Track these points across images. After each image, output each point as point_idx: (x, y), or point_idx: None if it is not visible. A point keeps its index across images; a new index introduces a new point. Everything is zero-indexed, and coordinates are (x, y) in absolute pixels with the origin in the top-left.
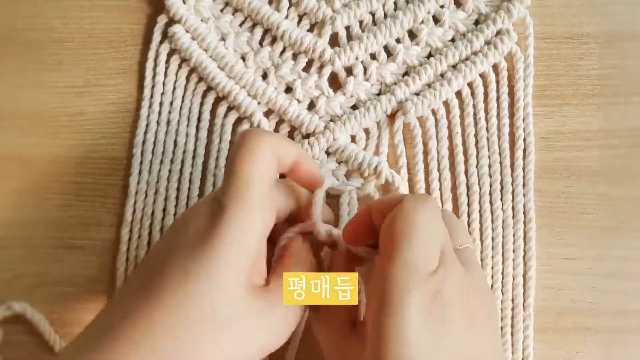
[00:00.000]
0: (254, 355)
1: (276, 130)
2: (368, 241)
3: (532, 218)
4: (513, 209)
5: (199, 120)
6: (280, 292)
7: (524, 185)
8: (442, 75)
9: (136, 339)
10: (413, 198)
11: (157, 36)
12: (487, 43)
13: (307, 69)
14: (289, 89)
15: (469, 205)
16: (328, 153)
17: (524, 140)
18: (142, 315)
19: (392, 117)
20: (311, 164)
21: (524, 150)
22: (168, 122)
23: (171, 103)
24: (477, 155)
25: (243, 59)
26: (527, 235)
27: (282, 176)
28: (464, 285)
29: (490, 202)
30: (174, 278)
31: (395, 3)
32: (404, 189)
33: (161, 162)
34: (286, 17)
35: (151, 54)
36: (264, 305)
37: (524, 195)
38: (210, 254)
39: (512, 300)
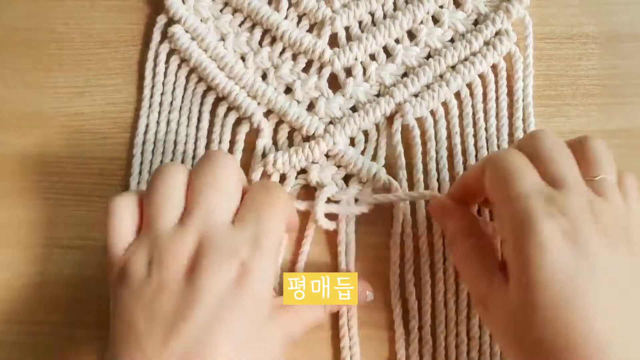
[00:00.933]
0: None
1: (275, 130)
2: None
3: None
4: None
5: (198, 120)
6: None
7: None
8: (441, 76)
9: None
10: (502, 150)
11: (156, 36)
12: (486, 43)
13: (306, 69)
14: (288, 90)
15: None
16: (327, 156)
17: None
18: None
19: (390, 118)
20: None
21: None
22: (168, 122)
23: (171, 103)
24: (476, 155)
25: (242, 59)
26: None
27: None
28: (592, 210)
29: None
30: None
31: (394, 3)
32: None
33: (161, 162)
34: (286, 18)
35: (151, 54)
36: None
37: None
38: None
39: None
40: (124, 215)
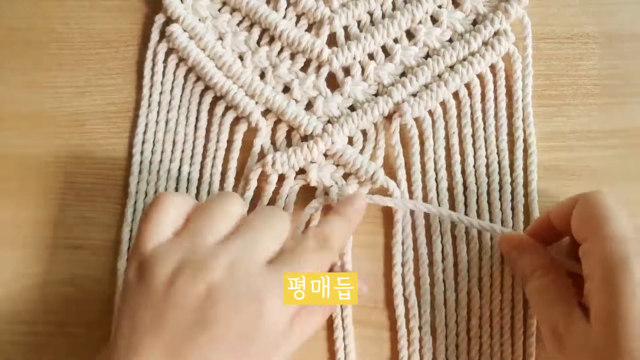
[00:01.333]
0: None
1: (274, 130)
2: (546, 242)
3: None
4: (513, 209)
5: (197, 119)
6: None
7: (527, 185)
8: (439, 76)
9: None
10: (592, 192)
11: (154, 35)
12: (485, 44)
13: (304, 68)
14: (286, 89)
15: (466, 205)
16: (326, 155)
17: (525, 140)
18: None
19: (389, 118)
20: None
21: (525, 151)
22: (167, 122)
23: (170, 102)
24: (475, 155)
25: (241, 58)
26: None
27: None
28: None
29: (489, 202)
30: None
31: (393, 3)
32: (397, 195)
33: (160, 161)
34: (284, 17)
35: (149, 54)
36: None
37: (525, 195)
38: None
39: (512, 300)
40: (171, 213)
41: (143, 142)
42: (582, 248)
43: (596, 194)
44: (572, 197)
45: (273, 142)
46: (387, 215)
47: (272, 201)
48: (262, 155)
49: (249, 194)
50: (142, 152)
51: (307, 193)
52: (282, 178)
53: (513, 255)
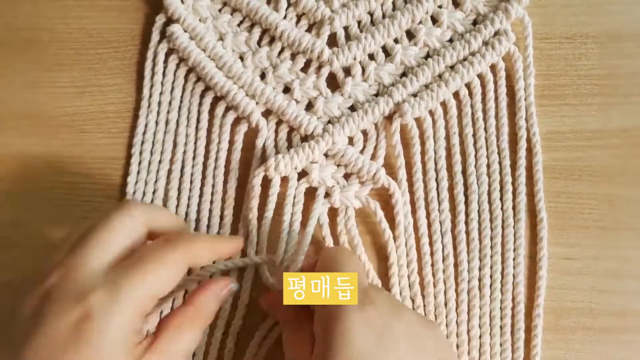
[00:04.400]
0: None
1: (276, 131)
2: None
3: (543, 218)
4: (514, 208)
5: (197, 120)
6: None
7: (532, 185)
8: (439, 76)
9: None
10: (331, 247)
11: (155, 36)
12: (485, 43)
13: (305, 69)
14: (287, 89)
15: (467, 205)
16: (326, 155)
17: (528, 140)
18: None
19: (389, 118)
20: None
21: (529, 150)
22: (167, 122)
23: (170, 103)
24: (476, 155)
25: (241, 58)
26: (539, 235)
27: None
28: (394, 305)
29: (489, 202)
30: None
31: (393, 3)
32: (398, 195)
33: (160, 161)
34: (285, 17)
35: (150, 54)
36: None
37: (526, 195)
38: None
39: (513, 299)
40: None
41: (142, 143)
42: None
43: (332, 248)
44: (318, 252)
45: (274, 143)
46: (389, 215)
47: (279, 205)
48: (263, 155)
49: (255, 201)
50: (141, 153)
51: (307, 194)
52: (285, 180)
53: (272, 309)
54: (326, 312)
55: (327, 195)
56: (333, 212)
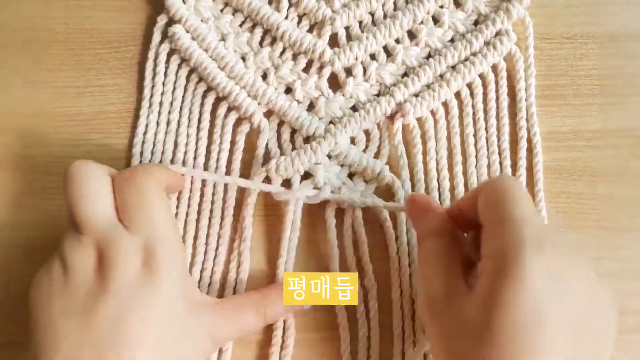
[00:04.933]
0: None
1: (278, 132)
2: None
3: (544, 218)
4: None
5: (199, 120)
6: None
7: (533, 185)
8: (441, 76)
9: None
10: (498, 176)
11: (156, 36)
12: (487, 44)
13: (306, 69)
14: (288, 90)
15: None
16: (329, 156)
17: (529, 140)
18: None
19: (391, 118)
20: None
21: (530, 151)
22: (168, 123)
23: (171, 103)
24: (477, 155)
25: (243, 59)
26: None
27: None
28: (575, 248)
29: None
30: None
31: (394, 3)
32: (401, 193)
33: (161, 162)
34: (286, 18)
35: (151, 54)
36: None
37: (531, 195)
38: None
39: None
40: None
41: (143, 143)
42: (484, 231)
43: (501, 178)
44: (480, 185)
45: (277, 144)
46: (392, 216)
47: (281, 208)
48: (265, 156)
49: (253, 198)
50: (142, 153)
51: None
52: (287, 182)
53: (415, 216)
54: (500, 250)
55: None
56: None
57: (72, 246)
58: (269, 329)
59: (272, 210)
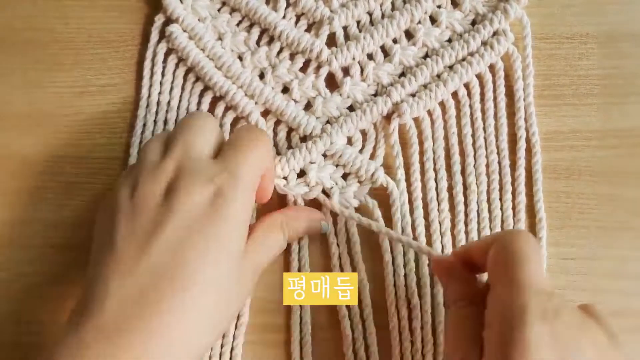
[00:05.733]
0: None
1: (275, 131)
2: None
3: (542, 218)
4: (513, 208)
5: None
6: (256, 252)
7: (531, 185)
8: (438, 76)
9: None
10: (511, 231)
11: (154, 36)
12: (484, 43)
13: (304, 69)
14: (285, 89)
15: (466, 205)
16: (325, 155)
17: (528, 140)
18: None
19: (388, 118)
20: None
21: (529, 150)
22: (165, 122)
23: (169, 102)
24: (475, 155)
25: (240, 58)
26: (538, 235)
27: None
28: (575, 329)
29: (489, 201)
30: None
31: (392, 3)
32: (396, 194)
33: None
34: (283, 17)
35: (149, 54)
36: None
37: (525, 195)
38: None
39: None
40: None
41: (141, 142)
42: (490, 293)
43: (514, 235)
44: (493, 235)
45: (274, 143)
46: (387, 215)
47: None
48: None
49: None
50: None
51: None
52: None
53: (443, 280)
54: (503, 316)
55: (327, 195)
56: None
57: (148, 171)
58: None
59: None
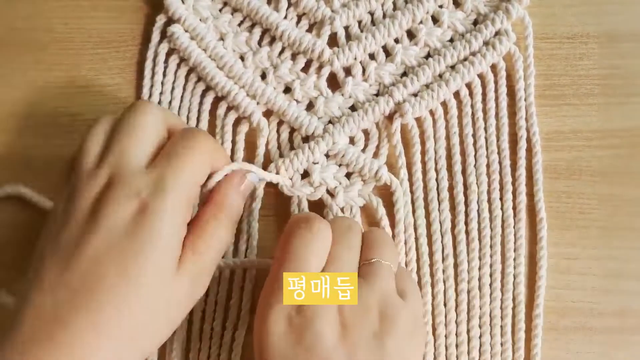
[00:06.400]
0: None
1: (277, 131)
2: None
3: (543, 218)
4: (514, 208)
5: (198, 120)
6: (192, 262)
7: (532, 185)
8: (440, 75)
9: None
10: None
11: (155, 36)
12: (486, 43)
13: (305, 69)
14: (287, 89)
15: (467, 204)
16: (327, 155)
17: (529, 140)
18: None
19: (390, 117)
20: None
21: (529, 150)
22: None
23: (170, 103)
24: (476, 155)
25: (242, 59)
26: (539, 235)
27: None
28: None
29: (489, 201)
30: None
31: (394, 3)
32: (399, 192)
33: None
34: (285, 17)
35: (150, 54)
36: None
37: (526, 195)
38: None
39: (513, 299)
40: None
41: None
42: None
43: (290, 224)
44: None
45: (277, 144)
46: (389, 215)
47: (285, 210)
48: (266, 156)
49: (257, 203)
50: None
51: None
52: None
53: None
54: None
55: (331, 195)
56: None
57: (81, 182)
58: None
59: (271, 211)
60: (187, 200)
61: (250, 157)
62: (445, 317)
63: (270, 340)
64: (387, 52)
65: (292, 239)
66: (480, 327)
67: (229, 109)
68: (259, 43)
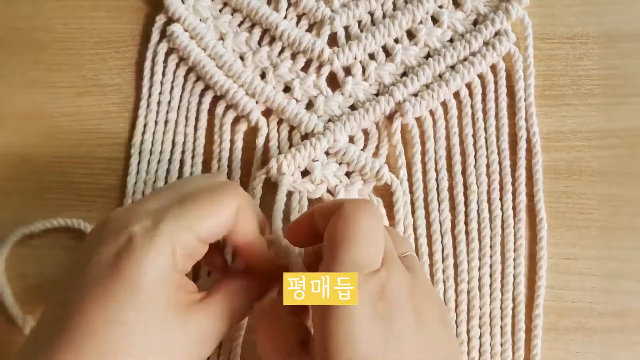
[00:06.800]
0: None
1: (277, 130)
2: (310, 244)
3: (543, 218)
4: (514, 208)
5: (197, 119)
6: (207, 311)
7: (532, 185)
8: (440, 76)
9: None
10: (353, 202)
11: (155, 35)
12: (486, 44)
13: (305, 68)
14: (287, 89)
15: (467, 205)
16: (327, 154)
17: (528, 140)
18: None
19: (390, 117)
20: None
21: (529, 151)
22: (166, 122)
23: (169, 102)
24: (475, 155)
25: (242, 58)
26: (538, 235)
27: None
28: (410, 287)
29: (489, 201)
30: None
31: (394, 3)
32: (399, 192)
33: (159, 161)
34: (285, 17)
35: (149, 54)
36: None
37: (526, 195)
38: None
39: (513, 299)
40: None
41: (142, 143)
42: (320, 267)
43: (356, 207)
44: (338, 202)
45: (277, 143)
46: (389, 215)
47: (286, 211)
48: (265, 155)
49: (256, 202)
50: (140, 153)
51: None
52: None
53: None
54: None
55: (332, 195)
56: None
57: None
58: None
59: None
60: (182, 251)
61: (248, 156)
62: None
63: (350, 328)
64: (387, 52)
65: (362, 220)
66: (480, 327)
67: (227, 107)
68: (259, 43)
